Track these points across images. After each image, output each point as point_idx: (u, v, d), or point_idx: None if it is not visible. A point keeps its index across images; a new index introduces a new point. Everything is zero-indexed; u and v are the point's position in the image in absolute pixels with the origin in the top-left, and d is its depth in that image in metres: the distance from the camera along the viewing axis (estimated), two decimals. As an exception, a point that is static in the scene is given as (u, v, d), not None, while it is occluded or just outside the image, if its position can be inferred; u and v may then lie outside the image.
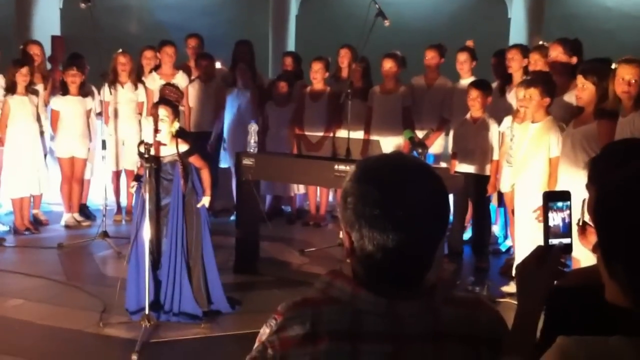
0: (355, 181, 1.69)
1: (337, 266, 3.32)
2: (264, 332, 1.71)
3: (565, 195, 1.79)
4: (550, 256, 1.76)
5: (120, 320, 5.58)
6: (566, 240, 1.77)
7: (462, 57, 8.22)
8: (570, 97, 6.29)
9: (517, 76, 7.33)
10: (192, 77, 9.24)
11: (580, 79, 5.64)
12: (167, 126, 5.58)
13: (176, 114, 5.67)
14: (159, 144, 5.60)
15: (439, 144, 8.47)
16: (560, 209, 1.77)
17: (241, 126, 8.55)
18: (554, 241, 1.76)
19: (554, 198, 1.78)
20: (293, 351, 1.64)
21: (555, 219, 1.76)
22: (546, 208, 1.76)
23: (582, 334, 1.50)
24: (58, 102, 8.59)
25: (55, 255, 7.59)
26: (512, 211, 6.45)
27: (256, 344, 1.71)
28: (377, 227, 1.63)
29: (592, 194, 1.63)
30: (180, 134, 5.74)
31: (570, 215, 1.78)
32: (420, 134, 7.49)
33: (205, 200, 5.71)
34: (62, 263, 7.31)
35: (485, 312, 1.77)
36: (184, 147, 5.65)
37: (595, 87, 5.54)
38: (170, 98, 5.74)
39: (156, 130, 5.54)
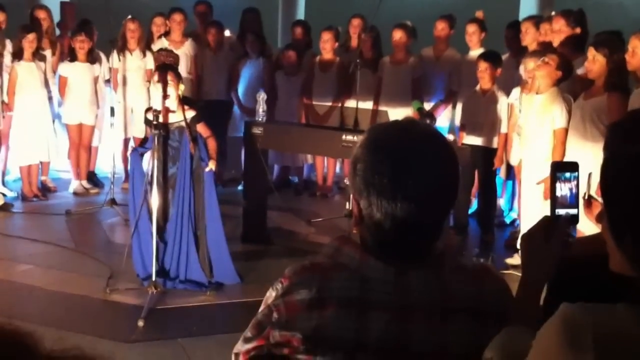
0: (366, 148, 1.66)
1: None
2: (270, 295, 1.71)
3: (573, 166, 1.78)
4: (557, 227, 1.75)
5: (127, 287, 5.62)
6: (573, 211, 1.76)
7: (471, 28, 8.14)
8: (576, 69, 6.25)
9: (532, 48, 7.26)
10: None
11: (591, 51, 5.60)
12: (174, 90, 5.57)
13: (179, 76, 5.68)
14: (167, 110, 5.59)
15: (445, 116, 8.43)
16: (568, 180, 1.76)
17: (251, 96, 8.51)
18: (560, 211, 1.74)
19: (561, 168, 1.77)
20: (298, 315, 1.64)
21: (563, 189, 1.75)
22: (554, 178, 1.75)
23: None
24: (66, 69, 8.56)
25: (63, 222, 7.62)
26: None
27: (262, 307, 1.71)
28: (386, 196, 1.61)
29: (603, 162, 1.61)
30: (186, 101, 5.74)
31: (577, 186, 1.77)
32: (427, 105, 7.46)
33: (212, 164, 5.67)
34: (70, 230, 7.35)
35: (492, 282, 1.76)
36: (190, 113, 5.65)
37: (605, 60, 5.51)
38: (168, 62, 5.72)
39: (165, 97, 5.52)
